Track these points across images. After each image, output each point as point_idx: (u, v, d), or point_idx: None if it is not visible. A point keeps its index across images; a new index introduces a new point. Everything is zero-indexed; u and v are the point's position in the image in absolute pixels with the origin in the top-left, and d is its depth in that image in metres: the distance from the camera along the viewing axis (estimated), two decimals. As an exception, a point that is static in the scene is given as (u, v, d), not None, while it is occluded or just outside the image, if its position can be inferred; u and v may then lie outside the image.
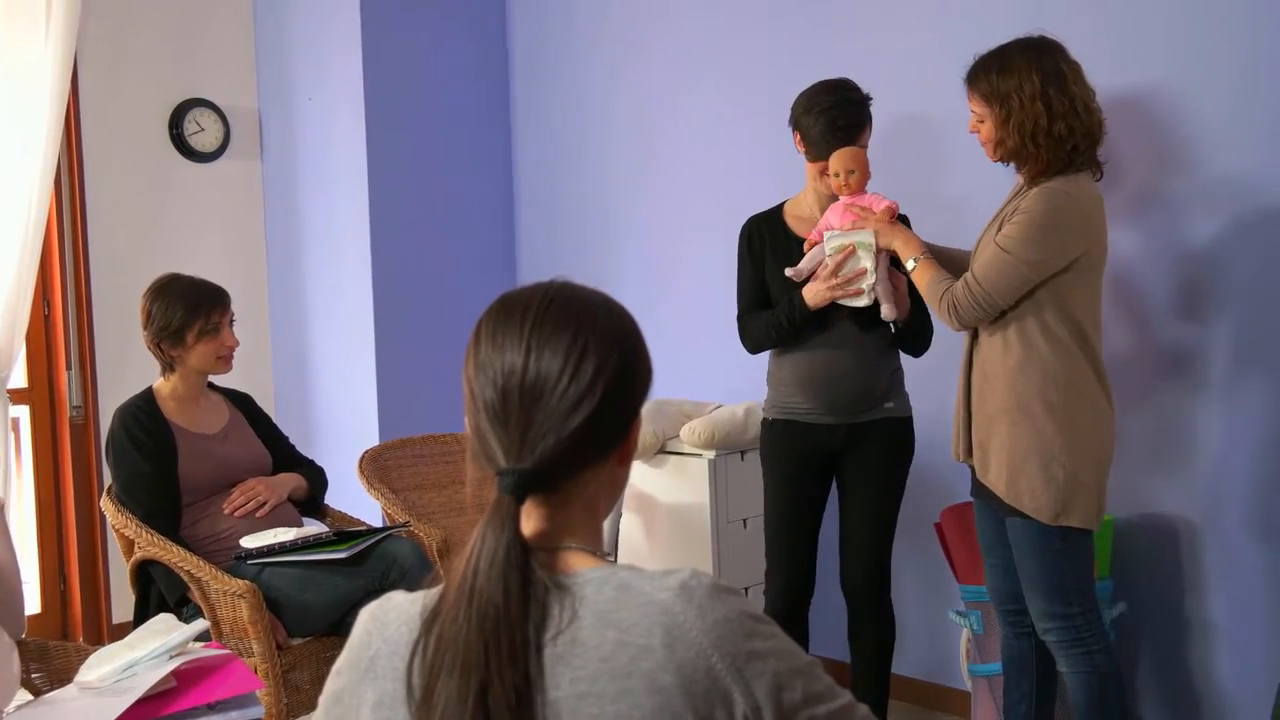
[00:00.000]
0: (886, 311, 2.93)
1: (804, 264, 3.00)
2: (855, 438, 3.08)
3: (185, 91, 4.79)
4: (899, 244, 2.89)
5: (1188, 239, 3.18)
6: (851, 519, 3.14)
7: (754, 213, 3.25)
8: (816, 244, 3.00)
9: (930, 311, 2.91)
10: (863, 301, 2.95)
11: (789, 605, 3.16)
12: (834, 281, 2.94)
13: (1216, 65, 3.08)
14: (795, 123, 3.07)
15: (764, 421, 3.22)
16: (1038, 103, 2.60)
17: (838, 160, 2.98)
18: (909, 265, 2.85)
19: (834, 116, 2.98)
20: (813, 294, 2.99)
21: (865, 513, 3.11)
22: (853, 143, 2.99)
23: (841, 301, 2.96)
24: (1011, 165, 2.78)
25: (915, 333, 3.08)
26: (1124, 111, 3.12)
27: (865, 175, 2.99)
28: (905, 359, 3.18)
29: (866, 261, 2.92)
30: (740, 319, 3.20)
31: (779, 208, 3.22)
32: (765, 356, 3.23)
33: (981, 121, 2.73)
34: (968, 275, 2.71)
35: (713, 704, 1.10)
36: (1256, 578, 3.13)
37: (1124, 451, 3.18)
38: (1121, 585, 3.33)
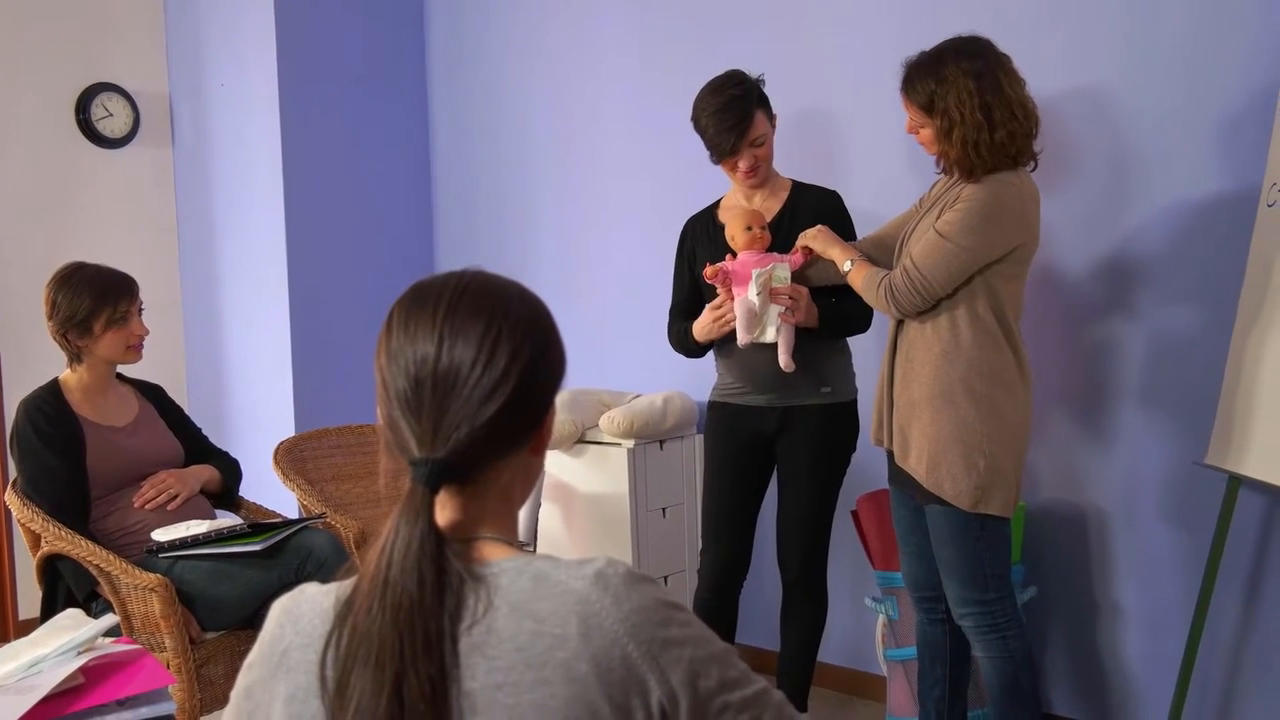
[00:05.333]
0: (784, 362, 2.98)
1: (741, 334, 3.00)
2: (790, 422, 3.12)
3: (92, 75, 4.69)
4: (836, 252, 2.93)
5: (1112, 234, 3.25)
6: (787, 502, 3.18)
7: (672, 201, 3.28)
8: (713, 281, 3.03)
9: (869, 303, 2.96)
10: (768, 338, 2.99)
11: (720, 583, 3.20)
12: (718, 312, 3.02)
13: (1154, 66, 3.14)
14: (694, 126, 3.10)
15: (708, 404, 3.28)
16: (977, 114, 2.61)
17: (751, 218, 3.04)
18: (845, 267, 2.89)
19: (721, 118, 3.02)
20: (701, 329, 3.09)
21: (799, 497, 3.14)
22: (745, 136, 3.03)
23: (757, 340, 3.00)
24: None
25: (839, 330, 3.13)
26: (1060, 109, 3.17)
27: (769, 236, 3.04)
28: (853, 344, 3.23)
29: (774, 306, 2.97)
30: (668, 321, 3.29)
31: (714, 205, 3.26)
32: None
33: (922, 126, 2.74)
34: (905, 262, 2.73)
35: (628, 692, 1.10)
36: (1165, 563, 3.21)
37: (1038, 438, 3.24)
38: (1033, 570, 3.40)
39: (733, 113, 3.01)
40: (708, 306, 3.07)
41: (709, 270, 3.03)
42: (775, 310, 2.97)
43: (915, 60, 2.74)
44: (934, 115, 2.68)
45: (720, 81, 3.08)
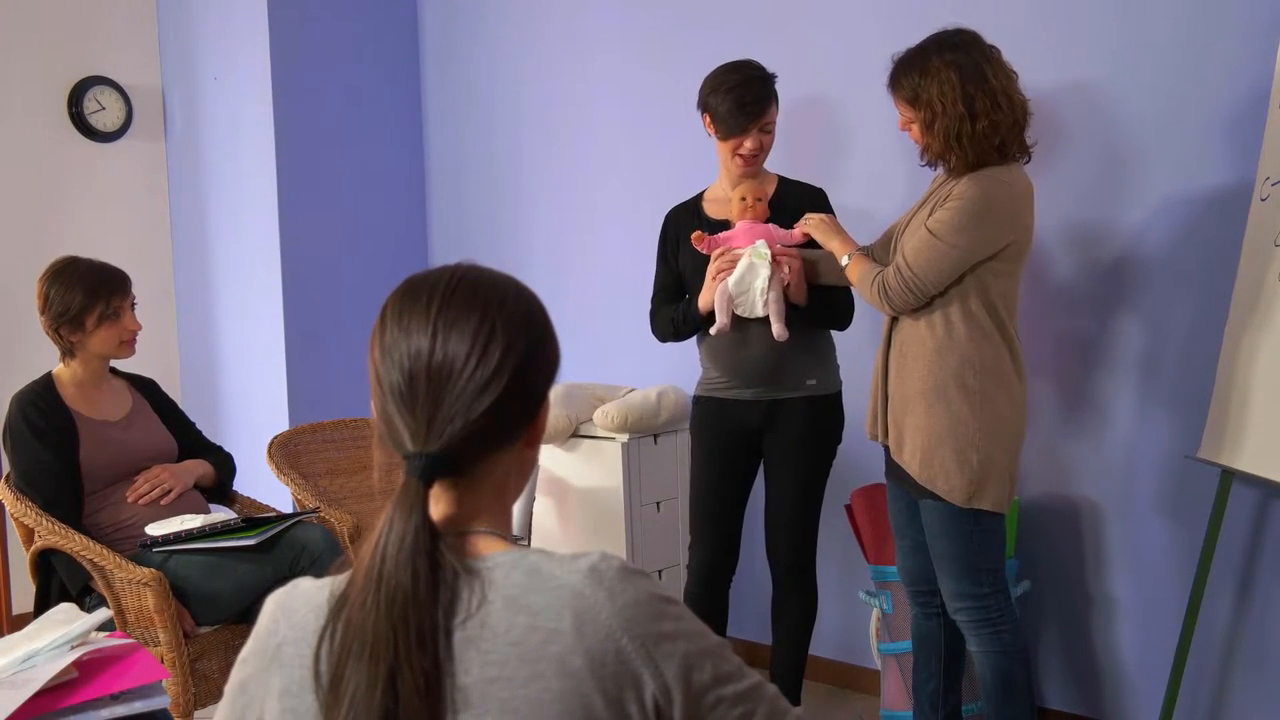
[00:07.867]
0: (777, 331, 2.98)
1: (720, 320, 3.02)
2: (775, 414, 3.12)
3: (85, 69, 4.67)
4: (835, 244, 2.92)
5: (1106, 229, 3.25)
6: (774, 496, 3.17)
7: (664, 196, 3.28)
8: (701, 248, 3.04)
9: (857, 296, 2.96)
10: (759, 312, 2.99)
11: (709, 578, 3.20)
12: (718, 278, 3.01)
13: (1147, 60, 3.15)
14: (704, 104, 3.10)
15: (693, 399, 3.27)
16: (959, 105, 2.61)
17: (746, 189, 3.05)
18: (843, 261, 2.89)
19: (740, 94, 3.02)
20: (704, 296, 3.07)
21: (786, 490, 3.14)
22: (760, 117, 3.04)
23: (737, 313, 3.01)
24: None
25: (823, 316, 3.12)
26: (1052, 105, 3.17)
27: (766, 209, 3.05)
28: (836, 336, 3.22)
29: (763, 274, 2.96)
30: (651, 309, 3.28)
31: (698, 196, 3.25)
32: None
33: (911, 122, 2.75)
34: (898, 260, 2.73)
35: (622, 686, 1.10)
36: (1159, 557, 3.22)
37: (1032, 432, 3.24)
38: (1026, 564, 3.40)
39: (753, 90, 3.02)
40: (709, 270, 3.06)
41: (696, 235, 3.04)
42: (761, 284, 2.96)
43: (901, 56, 2.74)
44: (918, 108, 2.68)
45: (738, 63, 3.09)
